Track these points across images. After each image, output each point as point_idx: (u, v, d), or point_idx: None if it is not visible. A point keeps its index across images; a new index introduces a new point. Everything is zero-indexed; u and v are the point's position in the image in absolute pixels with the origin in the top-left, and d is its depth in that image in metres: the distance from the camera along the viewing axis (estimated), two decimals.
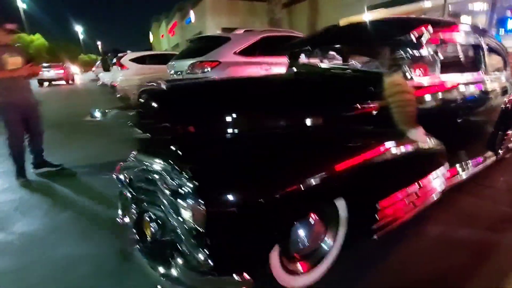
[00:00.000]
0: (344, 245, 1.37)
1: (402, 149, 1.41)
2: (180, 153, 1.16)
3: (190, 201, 0.95)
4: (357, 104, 1.54)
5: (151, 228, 1.22)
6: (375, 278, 1.38)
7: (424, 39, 1.57)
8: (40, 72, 4.26)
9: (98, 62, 20.21)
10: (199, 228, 0.95)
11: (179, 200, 1.02)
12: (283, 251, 1.18)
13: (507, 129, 2.50)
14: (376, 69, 1.79)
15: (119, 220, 1.47)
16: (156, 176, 1.24)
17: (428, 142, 1.53)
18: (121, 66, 7.70)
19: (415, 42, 1.54)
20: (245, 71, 3.98)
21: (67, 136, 4.50)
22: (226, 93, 1.62)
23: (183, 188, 1.00)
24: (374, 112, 1.54)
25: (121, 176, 1.59)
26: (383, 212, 1.37)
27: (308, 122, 1.44)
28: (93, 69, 23.25)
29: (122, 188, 1.52)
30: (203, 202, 0.91)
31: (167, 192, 1.13)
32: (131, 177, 1.46)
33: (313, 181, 1.07)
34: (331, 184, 1.16)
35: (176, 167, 1.08)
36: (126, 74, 7.34)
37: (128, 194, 1.38)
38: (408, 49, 1.55)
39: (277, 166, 1.07)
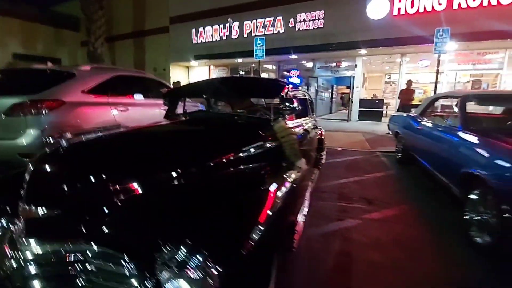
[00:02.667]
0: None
1: (300, 175, 1.89)
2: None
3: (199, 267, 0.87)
4: (263, 145, 1.90)
5: None
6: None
7: (288, 95, 2.25)
8: None
9: None
10: None
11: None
12: None
13: (321, 151, 3.82)
14: (263, 116, 2.28)
15: None
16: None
17: (307, 168, 2.15)
18: None
19: (288, 97, 2.17)
20: (97, 112, 3.46)
21: None
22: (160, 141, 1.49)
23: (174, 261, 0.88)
24: (276, 150, 1.97)
25: None
26: (295, 228, 1.75)
27: (232, 164, 1.62)
28: None
29: None
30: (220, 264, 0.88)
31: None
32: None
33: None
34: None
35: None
36: None
37: None
38: (285, 101, 2.15)
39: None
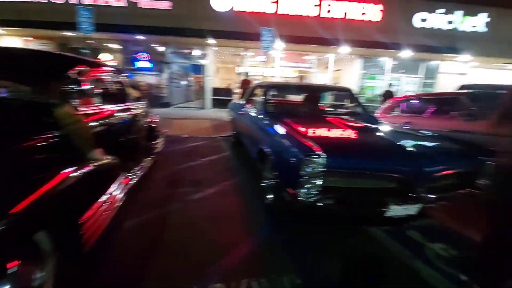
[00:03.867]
0: (58, 271, 1.40)
1: (89, 169, 1.69)
2: None
3: None
4: (35, 134, 1.54)
5: None
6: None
7: (84, 76, 1.94)
8: None
9: None
10: None
11: None
12: None
13: (153, 140, 3.68)
14: (37, 99, 1.83)
15: None
16: None
17: (106, 159, 1.95)
18: None
19: (79, 78, 1.86)
20: None
21: None
22: None
23: None
24: (56, 140, 1.64)
25: None
26: (86, 226, 1.57)
27: None
28: None
29: None
30: None
31: None
32: None
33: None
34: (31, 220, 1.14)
35: None
36: None
37: None
38: (73, 83, 1.83)
39: None
